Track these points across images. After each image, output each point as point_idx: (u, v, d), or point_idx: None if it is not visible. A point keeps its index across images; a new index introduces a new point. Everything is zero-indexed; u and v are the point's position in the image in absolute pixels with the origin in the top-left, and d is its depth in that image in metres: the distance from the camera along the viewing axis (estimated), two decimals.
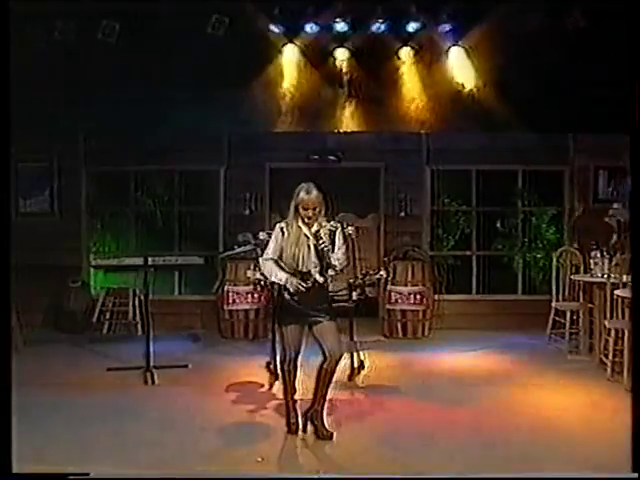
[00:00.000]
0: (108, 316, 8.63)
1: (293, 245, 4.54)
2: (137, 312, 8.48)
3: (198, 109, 7.83)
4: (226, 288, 8.28)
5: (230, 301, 8.26)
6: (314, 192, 4.50)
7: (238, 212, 8.95)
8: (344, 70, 8.23)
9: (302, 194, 4.51)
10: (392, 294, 8.29)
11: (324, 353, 4.52)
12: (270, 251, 4.64)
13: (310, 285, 4.50)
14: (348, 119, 8.37)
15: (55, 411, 5.10)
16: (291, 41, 8.10)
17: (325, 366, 4.51)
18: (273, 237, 4.65)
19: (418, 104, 8.22)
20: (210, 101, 7.83)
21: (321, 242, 4.45)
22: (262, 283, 6.48)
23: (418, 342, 8.15)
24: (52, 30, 7.20)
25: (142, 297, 7.64)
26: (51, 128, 7.87)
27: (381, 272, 6.64)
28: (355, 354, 6.17)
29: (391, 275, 8.18)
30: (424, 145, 8.99)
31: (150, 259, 6.47)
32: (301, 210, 4.51)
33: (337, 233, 4.58)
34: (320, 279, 4.53)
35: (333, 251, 4.51)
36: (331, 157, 8.88)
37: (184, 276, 9.09)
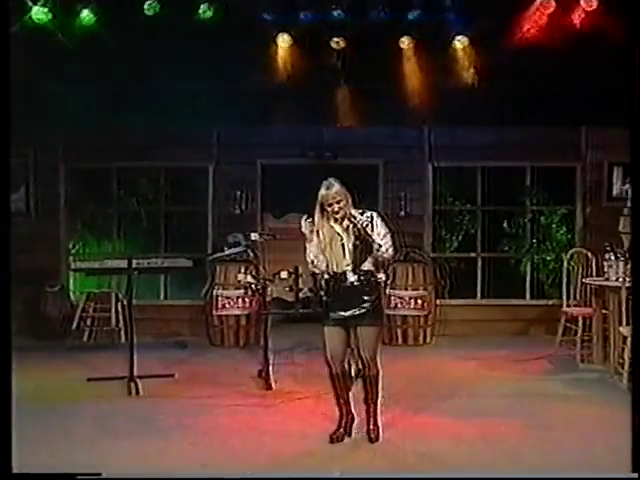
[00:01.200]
0: (89, 322, 8.60)
1: (327, 246, 4.63)
2: (120, 318, 8.43)
3: (185, 101, 7.77)
4: (215, 292, 8.25)
5: (220, 306, 8.23)
6: (335, 186, 4.60)
7: (228, 211, 8.93)
8: (341, 60, 8.16)
9: (322, 190, 4.61)
10: (392, 298, 8.26)
11: (362, 361, 4.71)
12: (312, 251, 4.72)
13: (344, 287, 4.61)
14: (345, 112, 8.30)
15: (31, 424, 5.02)
16: (284, 29, 8.03)
17: (367, 373, 4.73)
18: (307, 237, 4.72)
19: (420, 97, 8.15)
20: (198, 93, 7.77)
21: (359, 227, 4.53)
22: (253, 287, 6.45)
23: (419, 349, 8.14)
24: (27, 15, 7.12)
25: (125, 302, 7.61)
26: (27, 121, 7.78)
27: (379, 275, 6.58)
28: (353, 362, 6.13)
29: (390, 278, 8.14)
30: (426, 140, 8.99)
31: (134, 261, 6.42)
32: (326, 207, 4.59)
33: (374, 221, 4.63)
34: (354, 279, 4.62)
35: (373, 240, 4.57)
36: (327, 153, 8.84)
37: (170, 279, 9.06)
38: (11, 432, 3.14)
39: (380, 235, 4.61)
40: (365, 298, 4.65)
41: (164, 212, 9.13)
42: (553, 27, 7.36)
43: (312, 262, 4.73)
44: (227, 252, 7.45)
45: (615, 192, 8.75)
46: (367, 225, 4.57)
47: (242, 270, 7.43)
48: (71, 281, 8.91)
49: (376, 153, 8.99)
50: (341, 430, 4.78)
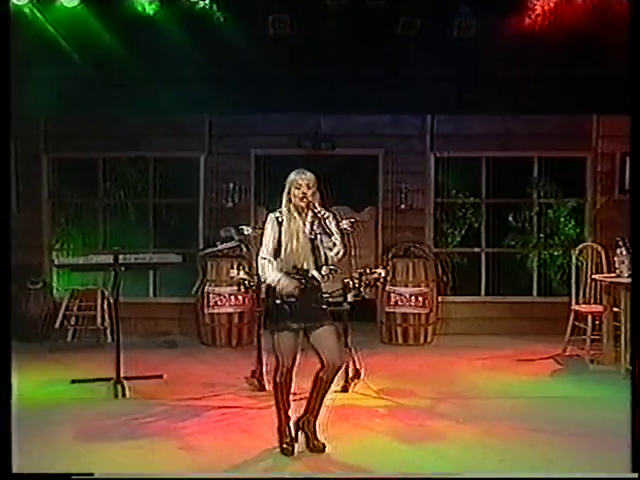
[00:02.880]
0: (73, 321, 8.56)
1: (291, 238, 4.55)
2: (106, 316, 8.40)
3: (175, 88, 7.73)
4: (207, 289, 8.24)
5: (211, 304, 8.22)
6: (307, 173, 4.60)
7: (220, 204, 8.90)
8: (339, 45, 8.12)
9: (293, 175, 4.61)
10: (392, 295, 8.25)
11: (322, 361, 4.54)
12: (265, 248, 4.61)
13: (305, 285, 4.52)
14: (343, 100, 8.27)
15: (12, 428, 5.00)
16: (277, 12, 7.99)
17: (322, 375, 4.55)
18: (268, 230, 4.62)
19: (422, 83, 8.12)
20: (188, 79, 7.73)
21: (317, 230, 4.48)
22: (247, 283, 6.43)
23: (420, 349, 8.13)
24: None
25: (112, 300, 7.57)
26: None
27: (379, 271, 6.58)
28: (350, 362, 6.13)
29: (390, 274, 8.14)
30: (428, 129, 8.96)
31: (121, 257, 6.40)
32: (294, 191, 4.56)
33: (329, 221, 4.53)
34: (318, 276, 4.59)
35: (330, 236, 4.48)
36: (324, 143, 8.80)
37: (159, 276, 9.03)
38: (11, 432, 3.26)
39: (334, 235, 4.51)
40: (322, 299, 4.61)
41: (153, 205, 9.09)
42: (561, 11, 7.34)
43: (264, 260, 4.58)
44: (219, 247, 7.43)
45: (627, 184, 8.70)
46: (328, 218, 4.49)
47: (235, 266, 7.37)
48: (54, 278, 8.88)
49: (376, 143, 8.96)
50: (287, 439, 4.61)
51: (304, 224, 4.56)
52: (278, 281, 4.50)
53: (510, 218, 9.04)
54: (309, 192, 4.53)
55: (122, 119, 8.46)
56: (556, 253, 8.99)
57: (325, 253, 4.54)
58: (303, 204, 4.54)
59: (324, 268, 4.59)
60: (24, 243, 8.46)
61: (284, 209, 4.61)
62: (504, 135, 8.77)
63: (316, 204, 4.54)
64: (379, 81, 8.15)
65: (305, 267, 4.54)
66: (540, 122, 8.59)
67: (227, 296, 8.16)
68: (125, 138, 8.70)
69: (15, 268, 8.60)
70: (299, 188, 4.53)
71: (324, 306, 4.60)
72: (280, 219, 4.59)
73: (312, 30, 7.87)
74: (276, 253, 4.57)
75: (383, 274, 6.80)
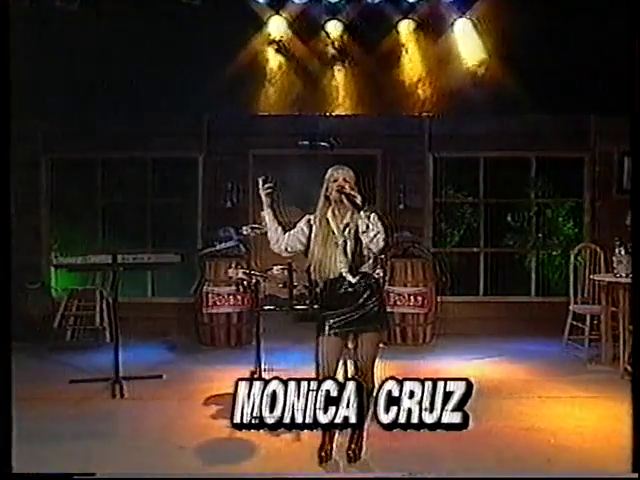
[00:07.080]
0: (72, 321, 8.55)
1: (321, 247, 4.39)
2: (104, 317, 8.40)
3: (173, 89, 7.73)
4: (205, 289, 8.22)
5: (210, 304, 8.21)
6: (345, 168, 4.46)
7: (218, 204, 8.90)
8: (337, 46, 8.14)
9: (331, 170, 4.45)
10: (390, 295, 8.23)
11: (356, 366, 4.45)
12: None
13: (343, 291, 4.39)
14: (341, 100, 8.29)
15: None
16: (277, 13, 8.02)
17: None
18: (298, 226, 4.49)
19: (420, 83, 8.14)
20: (186, 80, 7.73)
21: (354, 227, 4.32)
22: (245, 283, 6.42)
23: (419, 349, 8.12)
24: None
25: (110, 300, 7.57)
26: None
27: (377, 271, 6.56)
28: (348, 364, 6.11)
29: (389, 274, 8.13)
30: (426, 129, 8.95)
31: (119, 257, 6.39)
32: (331, 185, 4.40)
33: (372, 217, 4.30)
34: (353, 280, 4.39)
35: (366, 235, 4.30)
36: (322, 143, 8.81)
37: (158, 276, 9.01)
38: (11, 432, 3.28)
39: (376, 229, 4.27)
40: (367, 300, 4.41)
41: (151, 205, 9.09)
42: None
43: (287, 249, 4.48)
44: (218, 247, 7.44)
45: (626, 184, 8.70)
46: (367, 211, 4.27)
47: (233, 266, 7.38)
48: (53, 278, 8.85)
49: (374, 143, 8.95)
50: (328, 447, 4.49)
51: (337, 228, 4.39)
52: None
53: (508, 218, 9.04)
54: (346, 185, 4.35)
55: (121, 120, 8.43)
56: (554, 253, 8.99)
57: (361, 252, 4.35)
58: (338, 196, 4.35)
59: (365, 265, 4.40)
60: (22, 243, 8.47)
61: (319, 211, 4.45)
62: (502, 135, 8.76)
63: (355, 194, 4.32)
64: (378, 81, 8.17)
65: (337, 275, 4.38)
66: (538, 122, 8.59)
67: (226, 296, 8.15)
68: (123, 139, 8.67)
69: (14, 268, 8.61)
70: (336, 181, 4.38)
71: (368, 309, 4.42)
72: (312, 222, 4.44)
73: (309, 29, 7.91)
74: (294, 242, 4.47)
75: (381, 274, 6.77)
